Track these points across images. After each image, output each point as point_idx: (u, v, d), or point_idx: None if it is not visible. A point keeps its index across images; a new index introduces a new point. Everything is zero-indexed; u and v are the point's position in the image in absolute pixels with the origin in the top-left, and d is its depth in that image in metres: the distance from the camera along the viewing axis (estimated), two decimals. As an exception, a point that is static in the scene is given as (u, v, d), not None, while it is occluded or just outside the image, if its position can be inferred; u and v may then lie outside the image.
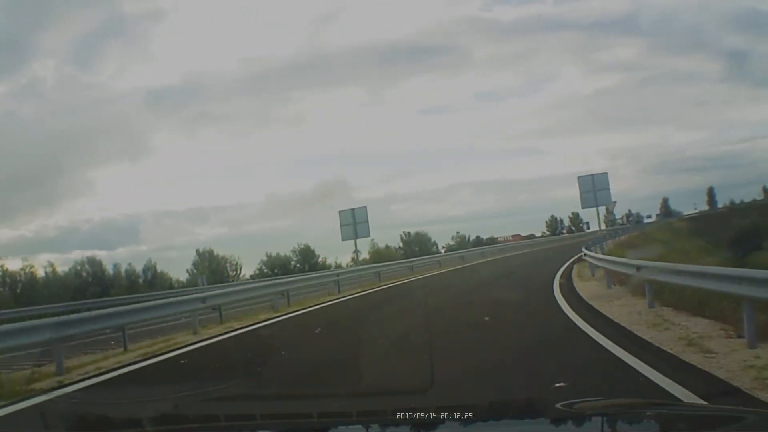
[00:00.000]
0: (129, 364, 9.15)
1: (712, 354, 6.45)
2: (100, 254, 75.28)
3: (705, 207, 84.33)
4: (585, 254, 17.78)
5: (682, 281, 8.78)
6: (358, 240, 24.42)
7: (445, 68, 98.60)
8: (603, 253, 17.63)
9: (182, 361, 9.16)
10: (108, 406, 5.78)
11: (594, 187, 21.32)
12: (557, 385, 5.26)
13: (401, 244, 63.72)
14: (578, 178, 21.92)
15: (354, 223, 23.21)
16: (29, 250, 69.49)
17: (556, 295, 12.96)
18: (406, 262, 31.14)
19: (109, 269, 44.00)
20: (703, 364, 6.00)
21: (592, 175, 21.67)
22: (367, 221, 23.44)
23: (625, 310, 10.00)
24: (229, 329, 12.56)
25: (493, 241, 69.53)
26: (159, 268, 45.95)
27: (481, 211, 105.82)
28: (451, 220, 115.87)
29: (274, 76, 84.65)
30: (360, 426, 2.73)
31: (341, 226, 23.76)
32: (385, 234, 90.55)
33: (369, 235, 23.94)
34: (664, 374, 5.52)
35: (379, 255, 54.66)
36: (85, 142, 69.51)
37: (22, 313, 20.09)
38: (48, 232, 64.21)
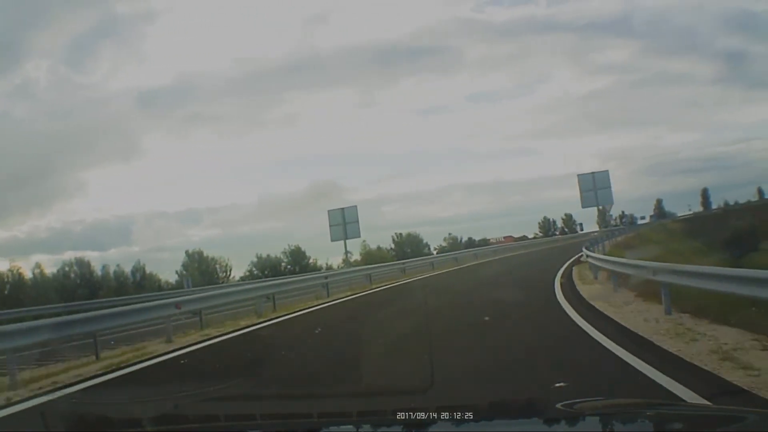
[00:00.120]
0: (88, 378, 8.21)
1: (754, 371, 5.57)
2: (92, 255, 79.85)
3: (699, 208, 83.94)
4: (587, 256, 16.85)
5: (706, 285, 7.89)
6: (348, 241, 23.46)
7: (438, 69, 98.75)
8: (603, 255, 16.68)
9: (141, 376, 8.26)
10: (108, 406, 5.77)
11: (595, 186, 20.36)
12: (557, 385, 5.12)
13: (393, 246, 63.34)
14: (578, 176, 20.98)
15: (344, 223, 22.13)
16: (22, 251, 69.23)
17: (559, 299, 12.04)
18: (397, 264, 30.12)
19: (98, 271, 43.77)
20: (749, 384, 5.09)
21: (593, 173, 20.70)
22: (358, 221, 22.35)
23: (639, 317, 9.08)
24: (206, 337, 11.57)
25: (485, 242, 69.12)
26: (150, 270, 45.86)
27: (473, 213, 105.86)
28: (443, 221, 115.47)
29: (267, 77, 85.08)
30: (360, 426, 2.70)
31: (330, 226, 22.67)
32: (377, 235, 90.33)
33: (359, 236, 22.94)
34: (708, 399, 4.75)
35: (371, 256, 54.61)
36: (78, 143, 69.42)
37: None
38: (40, 233, 64.33)
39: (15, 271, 38.47)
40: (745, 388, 5.01)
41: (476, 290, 16.71)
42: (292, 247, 54.64)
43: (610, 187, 20.66)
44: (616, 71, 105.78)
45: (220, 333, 12.00)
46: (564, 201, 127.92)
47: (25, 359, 9.68)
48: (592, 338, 7.56)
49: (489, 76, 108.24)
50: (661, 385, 5.16)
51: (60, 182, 69.60)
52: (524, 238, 75.84)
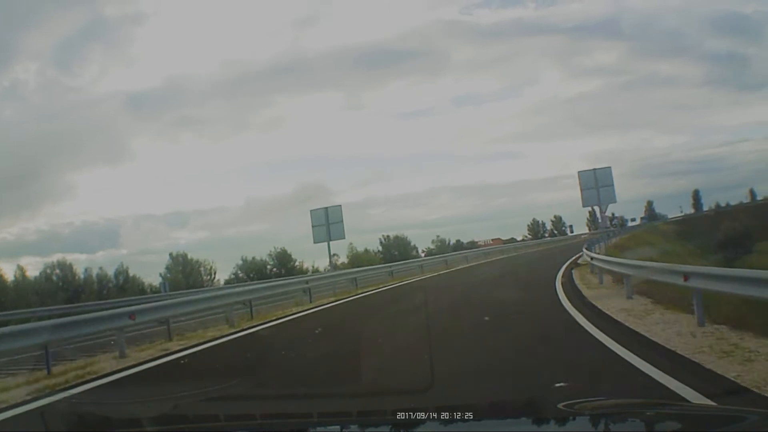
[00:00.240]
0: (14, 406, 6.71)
1: None
2: (81, 258, 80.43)
3: (690, 210, 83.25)
4: (591, 258, 15.49)
5: (752, 293, 6.53)
6: (333, 243, 21.96)
7: (424, 72, 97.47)
8: (608, 256, 15.28)
9: (74, 400, 7.10)
10: (108, 406, 5.73)
11: (596, 184, 18.98)
12: (557, 385, 4.97)
13: (381, 248, 62.23)
14: (579, 173, 19.55)
15: (327, 223, 20.55)
16: (11, 254, 68.11)
17: (568, 308, 10.65)
18: (385, 267, 28.59)
19: (80, 273, 41.91)
20: None
21: (594, 169, 19.27)
22: (342, 221, 20.74)
23: (670, 329, 7.70)
24: (164, 352, 10.07)
25: (473, 244, 68.14)
26: (136, 273, 45.14)
27: (460, 215, 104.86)
28: (431, 224, 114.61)
29: (254, 80, 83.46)
30: (360, 426, 2.68)
31: (313, 227, 21.04)
32: (365, 238, 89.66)
33: (344, 237, 21.30)
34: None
35: (358, 259, 53.84)
36: (67, 145, 68.07)
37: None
38: (29, 235, 62.41)
39: (-4, 274, 37.13)
40: None
41: (471, 295, 15.30)
42: (278, 250, 53.77)
43: (612, 184, 19.26)
44: (604, 74, 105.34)
45: (181, 346, 10.51)
46: (552, 203, 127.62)
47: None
48: (624, 360, 6.13)
49: (476, 78, 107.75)
50: None
51: (49, 184, 67.36)
52: (512, 240, 74.90)
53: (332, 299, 17.87)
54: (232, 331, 12.31)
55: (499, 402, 3.52)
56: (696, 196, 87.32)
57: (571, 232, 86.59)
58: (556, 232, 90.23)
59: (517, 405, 3.18)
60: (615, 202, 19.62)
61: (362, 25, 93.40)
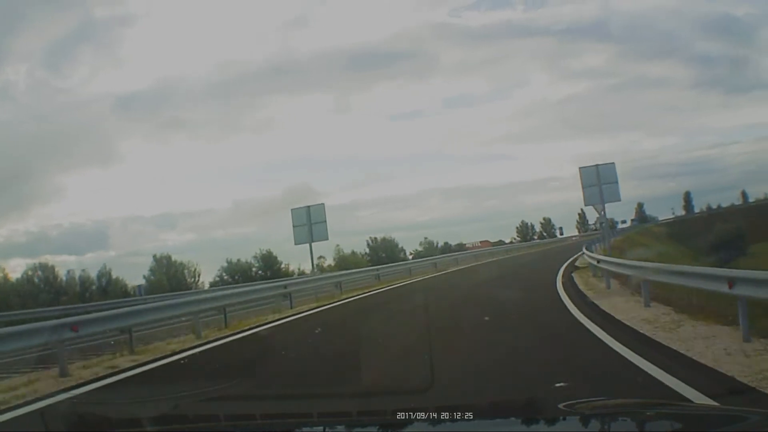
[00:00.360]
0: None
1: None
2: (70, 259, 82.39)
3: (682, 212, 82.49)
4: (599, 261, 14.17)
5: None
6: (318, 244, 20.52)
7: (414, 74, 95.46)
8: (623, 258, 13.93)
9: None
10: (108, 406, 5.64)
11: (599, 181, 17.62)
12: (558, 385, 4.94)
13: (368, 250, 61.06)
14: (580, 169, 18.06)
15: (309, 223, 19.07)
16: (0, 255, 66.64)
17: (578, 317, 9.33)
18: (371, 270, 27.13)
19: (62, 275, 40.47)
20: None
21: (597, 165, 17.82)
22: (325, 221, 19.19)
23: (713, 347, 6.35)
24: (112, 370, 8.62)
25: (461, 247, 67.10)
26: (120, 275, 44.31)
27: (449, 217, 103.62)
28: (419, 226, 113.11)
29: (244, 82, 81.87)
30: (360, 426, 2.67)
31: (294, 227, 19.49)
32: (353, 240, 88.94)
33: (327, 238, 19.69)
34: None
35: (345, 261, 52.84)
36: (56, 147, 66.76)
37: None
38: (18, 237, 60.49)
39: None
40: None
41: (467, 302, 13.93)
42: (264, 252, 52.62)
43: (616, 181, 17.87)
44: (593, 76, 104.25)
45: (134, 363, 9.07)
46: (541, 205, 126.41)
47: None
48: (677, 393, 4.75)
49: (466, 80, 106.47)
50: None
51: (38, 186, 66.24)
52: (501, 242, 73.90)
53: (314, 305, 16.44)
54: (197, 343, 10.87)
55: (499, 402, 3.46)
56: (687, 198, 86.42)
57: (561, 234, 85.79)
58: (545, 234, 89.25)
59: (517, 405, 3.13)
60: (619, 200, 18.30)
61: (352, 27, 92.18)
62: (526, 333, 8.42)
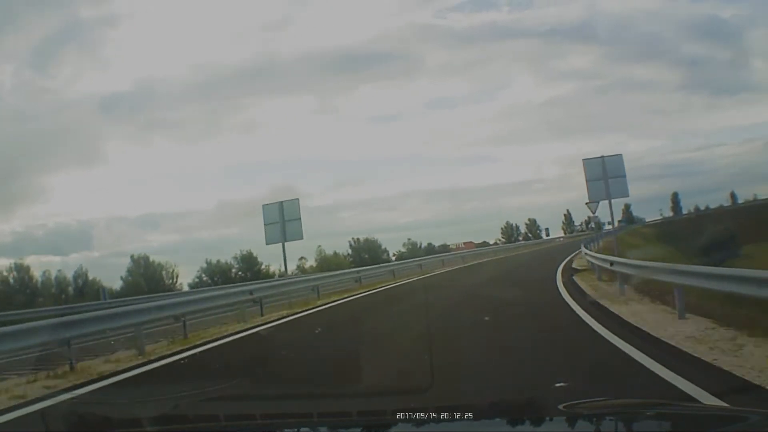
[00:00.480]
0: None
1: None
2: (55, 260, 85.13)
3: (669, 213, 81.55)
4: (612, 263, 12.39)
5: None
6: (298, 244, 18.66)
7: (397, 76, 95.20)
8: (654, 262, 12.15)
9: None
10: (108, 407, 5.61)
11: (605, 174, 15.81)
12: (558, 385, 4.79)
13: (350, 251, 59.55)
14: (584, 161, 16.14)
15: (282, 221, 17.11)
16: None
17: (603, 334, 7.55)
18: (351, 272, 25.18)
19: (38, 276, 40.15)
20: None
21: (603, 157, 15.92)
22: (300, 219, 17.08)
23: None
24: (20, 401, 6.67)
25: (445, 248, 65.89)
26: (99, 275, 44.52)
27: (432, 219, 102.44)
28: (402, 227, 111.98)
29: (227, 83, 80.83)
30: (360, 426, 2.69)
31: (265, 225, 17.40)
32: (336, 241, 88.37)
33: (302, 237, 17.58)
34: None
35: (327, 262, 51.68)
36: (41, 147, 66.17)
37: None
38: (4, 237, 59.34)
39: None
40: None
41: (463, 311, 12.07)
42: (244, 253, 51.83)
43: (624, 175, 15.98)
44: (578, 78, 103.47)
45: (47, 390, 7.12)
46: (526, 207, 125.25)
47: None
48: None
49: (450, 82, 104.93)
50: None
51: (23, 186, 65.60)
52: (485, 244, 72.62)
53: (284, 312, 14.53)
54: (137, 362, 8.94)
55: (499, 402, 3.27)
56: (675, 199, 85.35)
57: (548, 235, 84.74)
58: (530, 235, 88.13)
59: (517, 405, 3.09)
60: (627, 195, 16.51)
61: (335, 29, 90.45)
62: (553, 360, 6.50)
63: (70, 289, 44.05)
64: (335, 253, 56.66)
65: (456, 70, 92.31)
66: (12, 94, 60.66)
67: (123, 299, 27.63)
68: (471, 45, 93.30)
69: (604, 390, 4.84)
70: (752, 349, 5.91)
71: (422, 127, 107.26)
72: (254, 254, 50.38)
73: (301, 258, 55.99)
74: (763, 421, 2.17)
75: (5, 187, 60.10)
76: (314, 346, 9.49)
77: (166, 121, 76.82)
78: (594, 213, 30.71)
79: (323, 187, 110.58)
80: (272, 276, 44.03)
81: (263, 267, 51.59)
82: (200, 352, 9.59)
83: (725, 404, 4.13)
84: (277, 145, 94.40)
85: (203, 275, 52.97)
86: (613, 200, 16.54)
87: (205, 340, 10.68)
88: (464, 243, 72.29)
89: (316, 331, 11.32)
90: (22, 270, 39.75)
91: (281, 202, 17.32)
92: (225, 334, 11.35)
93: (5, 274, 37.70)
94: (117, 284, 46.19)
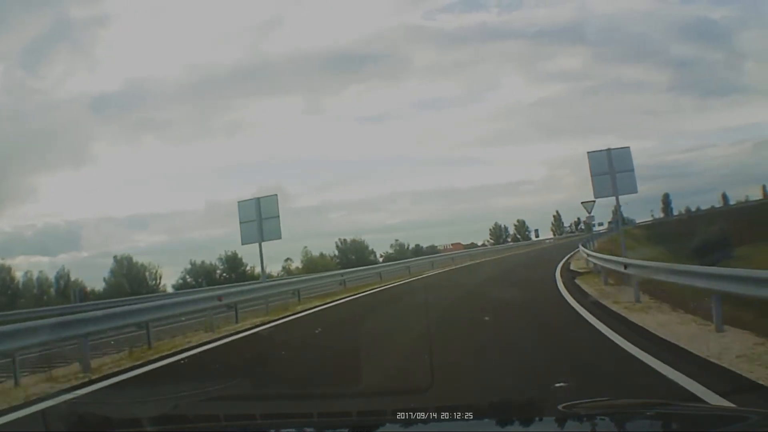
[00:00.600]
0: None
1: None
2: (44, 260, 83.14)
3: (660, 214, 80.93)
4: (626, 267, 11.12)
5: None
6: (282, 244, 17.35)
7: (387, 76, 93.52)
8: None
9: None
10: (108, 407, 5.67)
11: (612, 168, 14.55)
12: (558, 385, 4.82)
13: (337, 252, 58.47)
14: (589, 154, 14.83)
15: (259, 219, 15.69)
16: None
17: (637, 355, 6.25)
18: (335, 274, 23.75)
19: (19, 277, 40.68)
20: None
21: (609, 150, 14.62)
22: (278, 216, 15.59)
23: None
24: None
25: (433, 249, 65.23)
26: (83, 276, 43.42)
27: (420, 220, 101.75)
28: (391, 228, 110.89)
29: (216, 84, 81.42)
30: (360, 426, 2.65)
31: (241, 223, 15.93)
32: (323, 242, 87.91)
33: (280, 236, 15.94)
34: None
35: (313, 263, 50.91)
36: (30, 147, 66.14)
37: None
38: None
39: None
40: None
41: (458, 321, 10.73)
42: (229, 254, 51.47)
43: (632, 169, 14.62)
44: (567, 79, 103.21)
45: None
46: (514, 208, 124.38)
47: None
48: None
49: (439, 83, 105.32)
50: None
51: (12, 186, 65.52)
52: (473, 245, 71.79)
53: (259, 319, 13.14)
54: (80, 382, 7.56)
55: (499, 402, 3.19)
56: (666, 200, 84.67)
57: (537, 236, 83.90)
58: (519, 236, 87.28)
59: (517, 405, 3.04)
60: (636, 191, 15.19)
61: (325, 30, 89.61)
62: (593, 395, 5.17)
63: (52, 290, 43.24)
64: (321, 255, 55.71)
65: (445, 71, 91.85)
66: (3, 94, 61.15)
67: (95, 302, 26.27)
68: (460, 46, 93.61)
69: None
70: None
71: (411, 127, 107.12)
72: (239, 255, 49.81)
73: (287, 259, 54.92)
74: (762, 421, 2.14)
75: (-4, 187, 59.98)
76: (283, 364, 8.09)
77: (156, 122, 77.52)
78: (590, 213, 29.79)
79: (312, 188, 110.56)
80: (257, 278, 43.05)
81: (248, 268, 50.80)
82: (163, 365, 8.24)
83: (726, 404, 4.09)
84: (265, 145, 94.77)
85: (187, 276, 52.05)
86: (609, 198, 15.46)
87: (161, 354, 9.26)
88: (452, 244, 71.73)
89: (290, 344, 9.96)
90: (3, 271, 38.87)
91: (258, 198, 15.89)
92: (186, 346, 9.95)
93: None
94: (100, 285, 46.08)
